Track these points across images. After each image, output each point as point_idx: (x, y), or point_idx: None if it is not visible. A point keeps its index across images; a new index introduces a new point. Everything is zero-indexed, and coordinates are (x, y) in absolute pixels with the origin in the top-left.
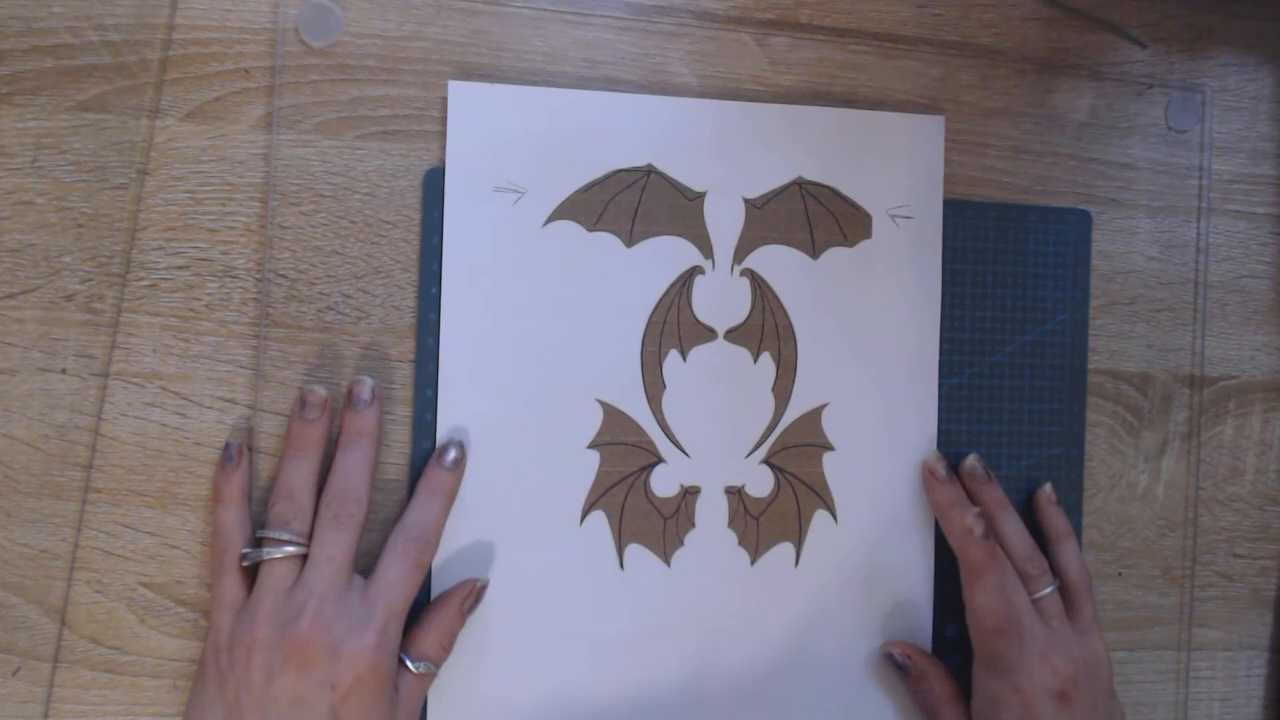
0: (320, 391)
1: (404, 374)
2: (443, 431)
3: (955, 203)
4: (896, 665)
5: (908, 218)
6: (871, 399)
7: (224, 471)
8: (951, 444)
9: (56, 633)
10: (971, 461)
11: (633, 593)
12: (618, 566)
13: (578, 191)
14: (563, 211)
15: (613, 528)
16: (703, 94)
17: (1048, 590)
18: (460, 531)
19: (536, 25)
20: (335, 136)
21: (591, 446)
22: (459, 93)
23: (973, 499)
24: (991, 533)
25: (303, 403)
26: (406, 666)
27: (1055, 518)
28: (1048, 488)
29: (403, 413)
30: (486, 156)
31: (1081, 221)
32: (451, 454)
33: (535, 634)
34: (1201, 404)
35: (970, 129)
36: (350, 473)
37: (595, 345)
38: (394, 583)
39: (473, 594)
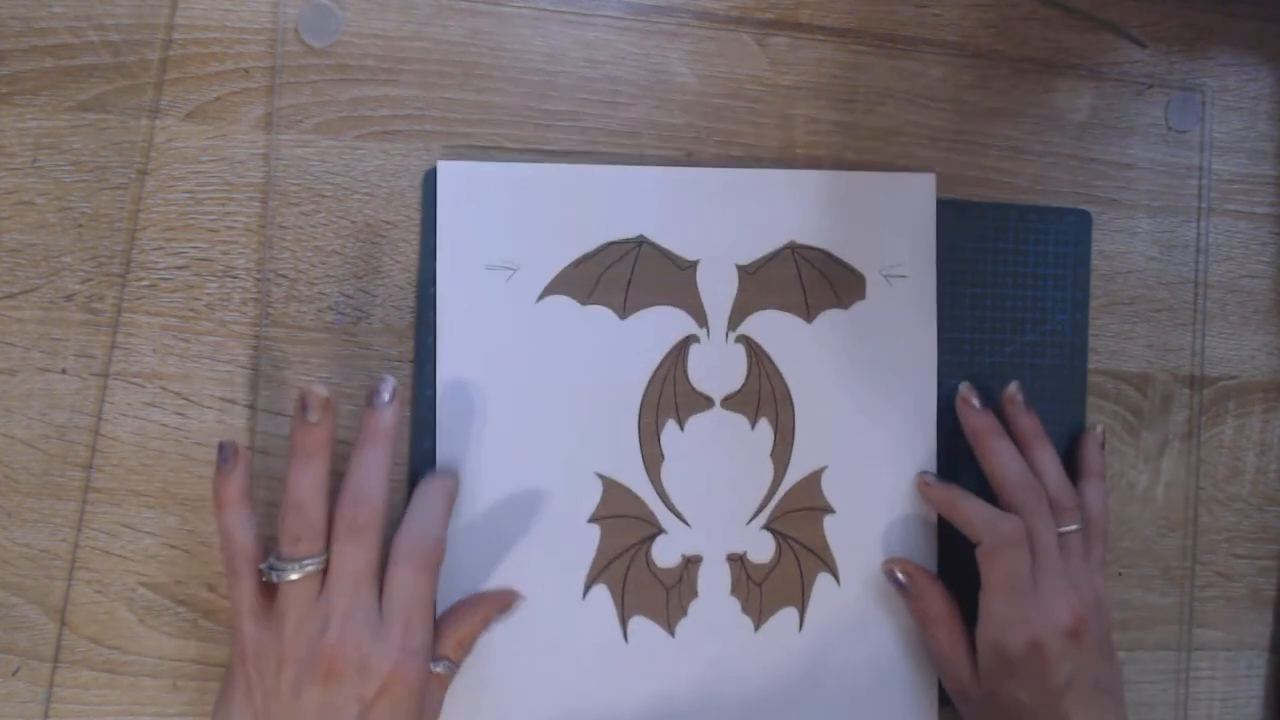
0: (320, 391)
1: (404, 374)
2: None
3: (955, 203)
4: (897, 583)
5: (902, 276)
6: (870, 460)
7: (221, 473)
8: (951, 446)
9: (56, 633)
10: (1012, 389)
11: (638, 664)
12: (622, 639)
13: (570, 266)
14: (556, 286)
15: (615, 600)
16: (702, 94)
17: (1074, 527)
18: None
19: (536, 25)
20: (335, 136)
21: (592, 520)
22: (448, 173)
23: (1009, 427)
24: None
25: (303, 405)
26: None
27: (1093, 457)
28: (1099, 429)
29: (403, 413)
30: (478, 235)
31: (1081, 221)
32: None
33: (541, 710)
34: (1201, 404)
35: (970, 129)
36: (365, 476)
37: (593, 420)
38: (406, 590)
39: (505, 608)
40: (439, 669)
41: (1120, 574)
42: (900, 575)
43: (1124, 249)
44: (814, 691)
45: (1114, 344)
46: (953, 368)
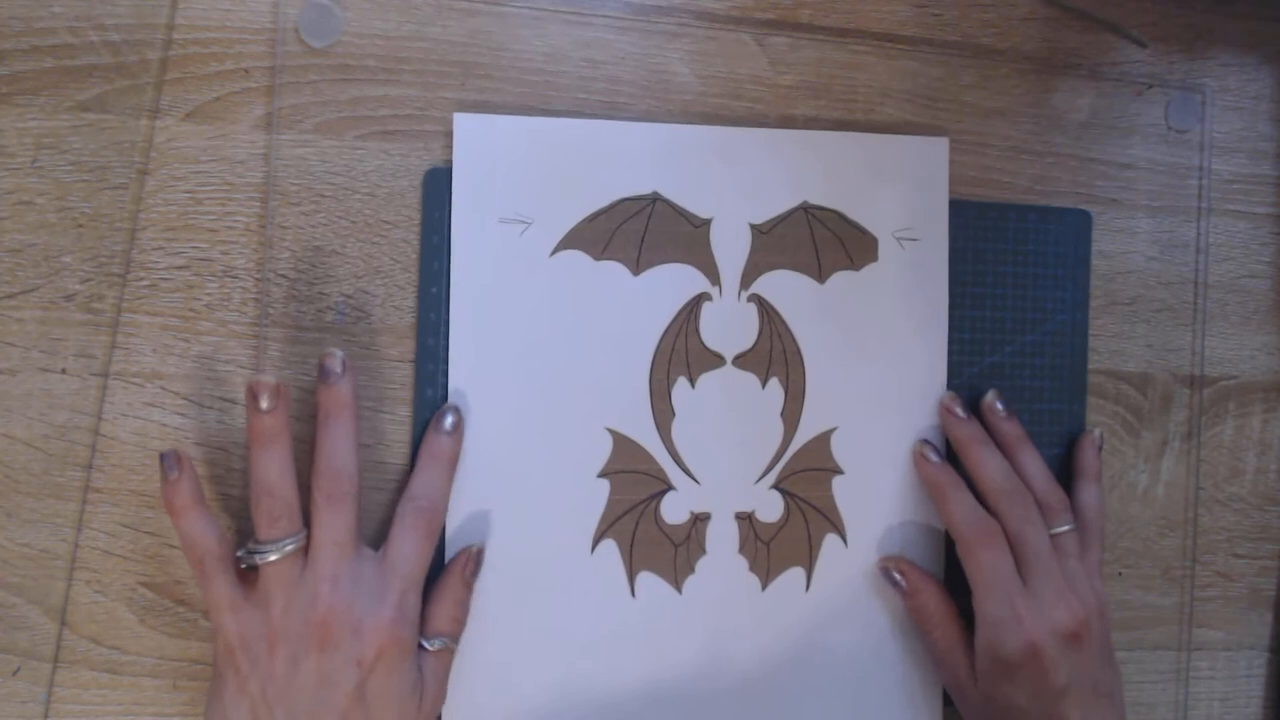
0: (268, 380)
1: (404, 374)
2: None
3: (955, 202)
4: (893, 581)
5: (913, 240)
6: (880, 422)
7: (168, 483)
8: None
9: (56, 633)
10: (990, 397)
11: (644, 620)
12: (629, 594)
13: (584, 221)
14: (570, 241)
15: (624, 556)
16: (702, 94)
17: (1066, 528)
18: None
19: (536, 25)
20: (335, 136)
21: (602, 475)
22: (464, 125)
23: (992, 434)
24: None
25: (253, 395)
26: (423, 646)
27: (1089, 459)
28: (1096, 433)
29: (403, 413)
30: (493, 188)
31: (1081, 221)
32: (449, 419)
33: (547, 664)
34: (1201, 404)
35: (970, 129)
36: (334, 450)
37: (604, 374)
38: (407, 554)
39: (471, 560)
40: (436, 645)
41: (1120, 574)
42: (896, 574)
43: (1124, 249)
44: (820, 651)
45: (1114, 344)
46: (953, 368)
